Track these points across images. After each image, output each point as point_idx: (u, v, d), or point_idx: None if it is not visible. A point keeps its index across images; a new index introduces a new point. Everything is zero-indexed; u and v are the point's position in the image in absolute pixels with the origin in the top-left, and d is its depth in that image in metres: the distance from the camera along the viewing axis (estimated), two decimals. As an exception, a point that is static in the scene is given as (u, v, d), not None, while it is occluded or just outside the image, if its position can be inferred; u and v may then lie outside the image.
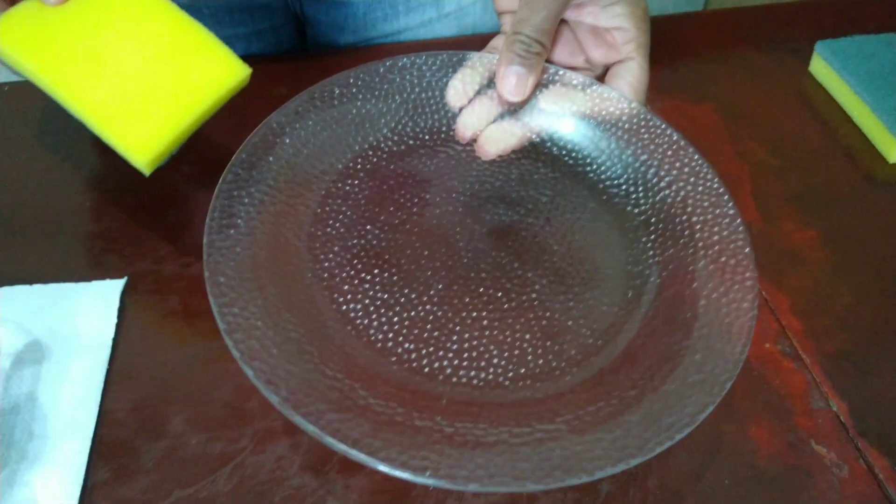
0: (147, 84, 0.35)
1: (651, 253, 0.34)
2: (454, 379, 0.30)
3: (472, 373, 0.30)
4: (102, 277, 0.36)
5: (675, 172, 0.36)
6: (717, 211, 0.34)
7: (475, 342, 0.31)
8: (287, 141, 0.35)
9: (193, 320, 0.35)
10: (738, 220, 0.33)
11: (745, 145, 0.45)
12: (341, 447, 0.25)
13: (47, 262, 0.37)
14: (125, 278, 0.36)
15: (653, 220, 0.35)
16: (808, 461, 0.30)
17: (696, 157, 0.36)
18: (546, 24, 0.37)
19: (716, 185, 0.35)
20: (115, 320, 0.34)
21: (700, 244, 0.33)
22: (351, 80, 0.38)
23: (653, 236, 0.35)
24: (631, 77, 0.38)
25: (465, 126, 0.39)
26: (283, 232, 0.33)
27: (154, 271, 0.37)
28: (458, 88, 0.40)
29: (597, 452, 0.25)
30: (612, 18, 0.38)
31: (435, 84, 0.40)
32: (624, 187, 0.37)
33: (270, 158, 0.35)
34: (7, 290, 0.35)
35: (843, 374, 0.33)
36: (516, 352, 0.31)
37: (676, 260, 0.33)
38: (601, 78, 0.40)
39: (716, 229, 0.33)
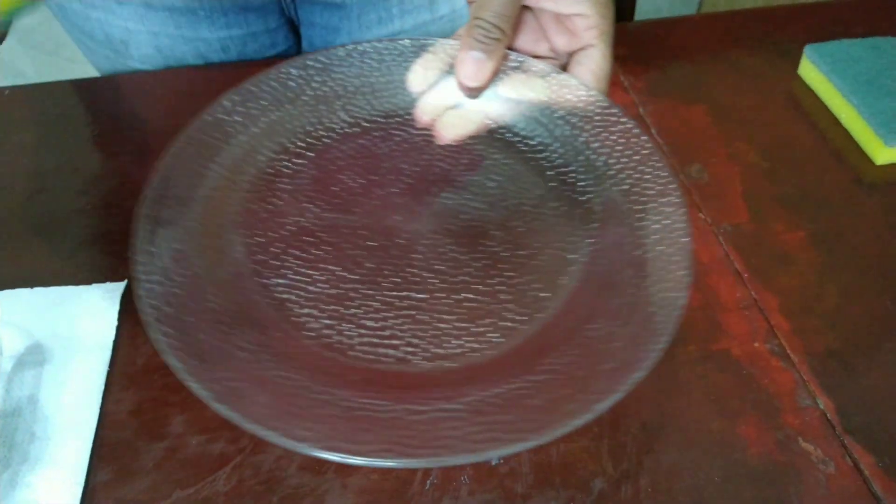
0: None
1: (589, 241, 0.34)
2: (368, 356, 0.30)
3: (387, 350, 0.30)
4: (102, 280, 0.36)
5: (624, 160, 0.36)
6: (662, 200, 0.33)
7: (395, 321, 0.31)
8: (237, 119, 0.36)
9: (192, 322, 0.35)
10: (683, 211, 0.32)
11: (737, 147, 0.46)
12: (231, 414, 0.25)
13: (47, 265, 0.37)
14: (125, 281, 0.36)
15: (597, 208, 0.35)
16: (796, 458, 0.31)
17: (647, 145, 0.36)
18: (506, 10, 0.37)
19: (664, 175, 0.34)
20: (115, 323, 0.35)
21: (640, 233, 0.33)
22: (308, 63, 0.39)
23: (594, 224, 0.35)
24: (592, 64, 0.38)
25: (424, 110, 0.39)
26: (222, 206, 0.34)
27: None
28: (419, 73, 0.40)
29: (489, 434, 0.26)
30: (572, 5, 0.37)
31: (395, 69, 0.40)
32: (573, 175, 0.37)
33: (217, 135, 0.35)
34: (8, 293, 0.36)
35: (830, 372, 0.34)
36: (434, 332, 0.31)
37: (613, 249, 0.33)
38: (565, 66, 0.40)
39: (657, 217, 0.33)
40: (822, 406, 0.32)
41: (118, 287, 0.36)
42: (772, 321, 0.36)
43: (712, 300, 0.37)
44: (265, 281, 0.32)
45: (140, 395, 0.33)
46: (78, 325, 0.34)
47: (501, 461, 0.31)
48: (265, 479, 0.30)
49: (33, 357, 0.33)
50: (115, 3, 0.49)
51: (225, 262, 0.32)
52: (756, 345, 0.35)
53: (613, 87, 0.50)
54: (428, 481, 0.30)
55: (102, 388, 0.32)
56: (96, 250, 0.38)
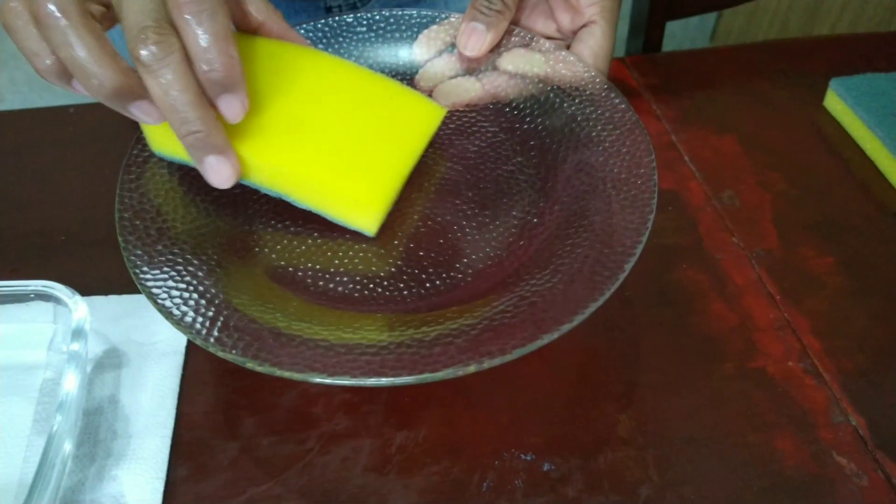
0: (355, 146, 0.34)
1: (556, 208, 0.36)
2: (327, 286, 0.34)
3: (337, 285, 0.34)
4: (172, 289, 0.39)
5: (605, 134, 0.37)
6: (636, 171, 0.35)
7: (350, 261, 0.35)
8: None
9: (258, 331, 0.37)
10: (652, 183, 0.34)
11: (766, 175, 0.48)
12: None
13: (120, 274, 0.40)
14: (194, 290, 0.39)
15: (571, 178, 0.37)
16: (830, 471, 0.33)
17: (632, 118, 0.37)
18: None
19: (642, 148, 0.36)
20: (187, 329, 0.37)
21: (606, 202, 0.34)
22: (318, 26, 0.42)
23: (566, 192, 0.36)
24: (592, 41, 0.39)
25: (424, 77, 0.41)
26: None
27: (220, 284, 0.39)
28: (423, 43, 0.42)
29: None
30: None
31: (400, 37, 0.42)
32: (554, 145, 0.39)
33: None
34: (85, 300, 0.38)
35: (861, 391, 0.36)
36: (383, 277, 0.34)
37: (577, 215, 0.35)
38: (570, 46, 0.41)
39: (627, 188, 0.35)
40: (853, 422, 0.34)
41: (188, 296, 0.38)
42: (804, 341, 0.38)
43: (747, 321, 0.39)
44: (248, 235, 0.35)
45: (212, 397, 0.35)
46: (152, 330, 0.37)
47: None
48: (332, 479, 0.32)
49: (111, 360, 0.35)
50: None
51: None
52: (790, 363, 0.37)
53: (646, 115, 0.52)
54: (484, 484, 0.32)
55: (177, 390, 0.35)
56: (165, 261, 0.40)
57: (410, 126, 0.36)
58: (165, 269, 0.31)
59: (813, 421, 0.34)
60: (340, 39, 0.43)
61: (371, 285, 0.34)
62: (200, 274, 0.31)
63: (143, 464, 0.32)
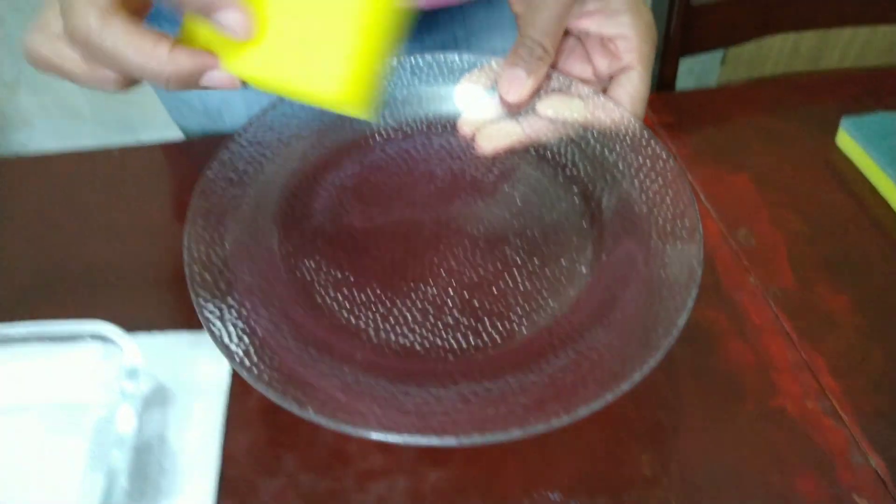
0: (303, 24, 0.32)
1: (603, 256, 0.37)
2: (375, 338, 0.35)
3: (391, 336, 0.35)
4: (213, 328, 0.40)
5: (648, 183, 0.38)
6: (680, 223, 0.36)
7: (403, 310, 0.36)
8: (294, 122, 0.41)
9: (296, 369, 0.39)
10: (698, 237, 0.35)
11: (780, 213, 0.50)
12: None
13: (164, 311, 0.41)
14: (234, 329, 0.40)
15: (617, 226, 0.38)
16: (849, 511, 0.34)
17: (674, 168, 0.38)
18: (549, 27, 0.39)
19: (685, 199, 0.37)
20: (229, 368, 0.38)
21: (653, 254, 0.36)
22: None
23: (611, 239, 0.38)
24: (630, 86, 0.40)
25: (466, 122, 0.42)
26: (267, 196, 0.38)
27: (258, 323, 0.41)
28: (465, 87, 0.43)
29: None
30: (616, 27, 0.39)
31: (443, 82, 0.44)
32: (598, 193, 0.40)
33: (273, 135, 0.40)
34: (132, 336, 0.40)
35: (880, 431, 0.37)
36: (439, 325, 0.35)
37: (625, 266, 0.36)
38: (606, 90, 0.42)
39: (672, 240, 0.36)
40: (873, 464, 0.36)
41: (228, 335, 0.40)
42: (822, 381, 0.39)
43: (766, 360, 0.40)
44: (300, 277, 0.37)
45: (255, 435, 0.36)
46: (196, 368, 0.38)
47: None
48: (371, 516, 0.34)
49: (159, 398, 0.37)
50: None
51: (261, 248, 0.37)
52: (809, 404, 0.38)
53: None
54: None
55: (222, 428, 0.36)
56: (205, 299, 0.42)
57: None
58: (231, 317, 0.33)
59: (833, 462, 0.36)
60: (387, 84, 0.44)
61: (430, 336, 0.35)
62: (270, 325, 0.33)
63: (190, 500, 0.33)
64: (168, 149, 0.55)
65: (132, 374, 0.33)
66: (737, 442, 0.37)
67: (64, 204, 0.49)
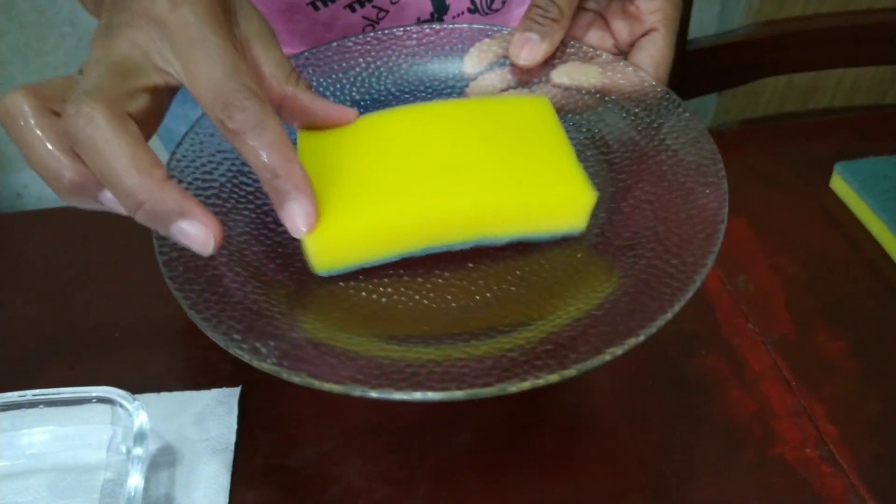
0: (514, 158, 0.34)
1: (615, 218, 0.35)
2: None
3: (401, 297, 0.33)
4: (219, 385, 0.41)
5: (668, 142, 0.37)
6: (703, 180, 0.34)
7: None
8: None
9: (302, 425, 0.40)
10: (723, 192, 0.34)
11: (777, 259, 0.50)
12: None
13: (170, 371, 0.42)
14: (240, 386, 0.41)
15: (633, 188, 0.36)
16: (852, 560, 0.34)
17: (698, 126, 0.36)
18: None
19: (709, 157, 0.35)
20: (235, 426, 0.39)
21: (673, 212, 0.34)
22: (368, 38, 0.42)
23: (628, 203, 0.36)
24: (654, 49, 0.38)
25: (475, 91, 0.40)
26: None
27: (265, 379, 0.41)
28: (474, 56, 0.41)
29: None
30: None
31: (451, 50, 0.42)
32: (616, 156, 0.38)
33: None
34: (138, 397, 0.40)
35: (877, 478, 0.37)
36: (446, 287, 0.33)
37: (639, 222, 0.34)
38: (628, 56, 0.40)
39: (696, 197, 0.34)
40: (872, 511, 0.36)
41: (235, 392, 0.41)
42: (820, 428, 0.40)
43: (766, 407, 0.41)
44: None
45: (261, 494, 0.37)
46: (202, 428, 0.39)
47: None
48: (375, 574, 0.34)
49: (165, 458, 0.38)
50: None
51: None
52: (808, 451, 0.39)
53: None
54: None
55: (228, 487, 0.37)
56: (211, 358, 0.43)
57: (533, 118, 0.35)
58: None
59: (832, 510, 0.36)
60: (389, 52, 0.42)
61: (416, 297, 0.32)
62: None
63: (197, 561, 0.34)
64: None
65: (139, 437, 0.34)
66: (738, 491, 0.37)
67: (69, 261, 0.50)
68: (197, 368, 0.43)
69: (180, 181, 0.34)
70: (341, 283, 0.33)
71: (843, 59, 0.81)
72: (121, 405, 0.36)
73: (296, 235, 0.30)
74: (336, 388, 0.26)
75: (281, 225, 0.31)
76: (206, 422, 0.39)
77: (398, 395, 0.26)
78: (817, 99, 1.38)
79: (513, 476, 0.38)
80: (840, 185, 0.55)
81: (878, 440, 0.39)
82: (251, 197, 0.36)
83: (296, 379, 0.26)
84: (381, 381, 0.26)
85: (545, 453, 0.38)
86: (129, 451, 0.34)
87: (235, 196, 0.35)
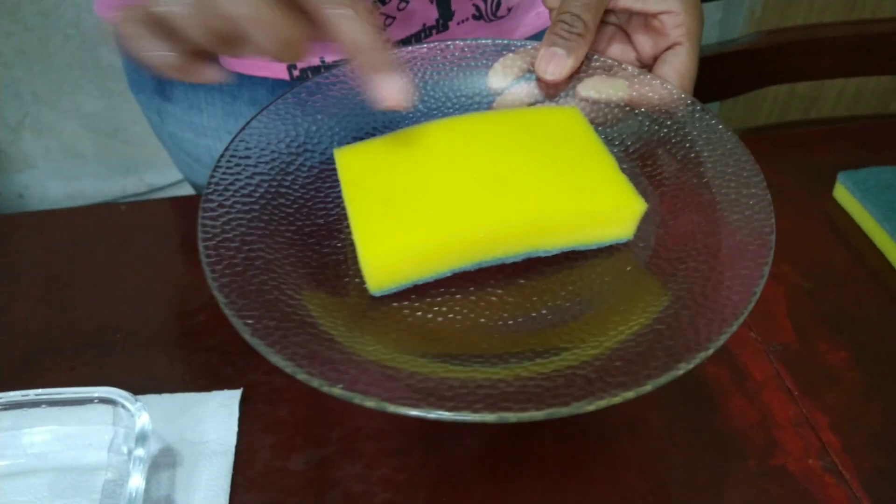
0: (559, 171, 0.34)
1: (661, 231, 0.35)
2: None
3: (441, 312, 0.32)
4: (220, 388, 0.41)
5: (705, 155, 0.36)
6: (745, 192, 0.34)
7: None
8: (318, 100, 0.39)
9: (303, 428, 0.39)
10: (767, 202, 0.34)
11: (780, 268, 0.50)
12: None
13: (171, 373, 0.42)
14: (241, 388, 0.41)
15: (675, 200, 0.36)
16: (853, 571, 0.34)
17: (732, 137, 0.36)
18: (590, 0, 0.37)
19: (748, 167, 0.35)
20: (236, 428, 0.39)
21: (718, 219, 0.33)
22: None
23: (671, 214, 0.36)
24: (677, 62, 0.38)
25: (502, 106, 0.40)
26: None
27: (265, 382, 0.42)
28: (499, 71, 0.41)
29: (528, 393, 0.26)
30: (662, 2, 0.38)
31: (476, 66, 0.42)
32: (648, 169, 0.38)
33: (297, 112, 0.38)
34: (140, 398, 0.40)
35: (880, 489, 0.37)
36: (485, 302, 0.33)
37: (687, 235, 0.34)
38: (652, 69, 0.40)
39: (739, 208, 0.34)
40: (875, 522, 0.36)
41: (236, 395, 0.40)
42: (823, 438, 0.40)
43: (768, 417, 0.41)
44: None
45: (261, 497, 0.37)
46: (203, 430, 0.39)
47: None
48: (375, 579, 0.34)
49: (166, 459, 0.37)
50: (226, 133, 0.56)
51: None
52: (810, 461, 0.39)
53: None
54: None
55: (229, 489, 0.37)
56: (213, 360, 0.43)
57: (568, 128, 0.36)
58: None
59: (834, 521, 0.36)
60: (415, 69, 0.42)
61: (472, 315, 0.32)
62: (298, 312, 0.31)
63: (197, 564, 0.34)
64: (176, 203, 0.56)
65: (141, 438, 0.34)
66: (739, 500, 0.37)
67: (70, 261, 0.50)
68: (198, 371, 0.42)
69: (221, 205, 0.34)
70: (395, 304, 0.33)
71: (846, 68, 0.81)
72: (123, 406, 0.36)
73: (385, 106, 0.30)
74: (412, 412, 0.26)
75: (324, 246, 0.31)
76: (207, 424, 0.39)
77: (471, 417, 0.25)
78: (819, 108, 1.38)
79: (513, 483, 0.37)
80: (843, 194, 0.55)
81: (880, 451, 0.39)
82: (291, 219, 0.35)
83: (370, 404, 0.26)
84: (455, 404, 0.26)
85: (546, 461, 0.38)
86: (130, 452, 0.34)
87: (277, 218, 0.35)
